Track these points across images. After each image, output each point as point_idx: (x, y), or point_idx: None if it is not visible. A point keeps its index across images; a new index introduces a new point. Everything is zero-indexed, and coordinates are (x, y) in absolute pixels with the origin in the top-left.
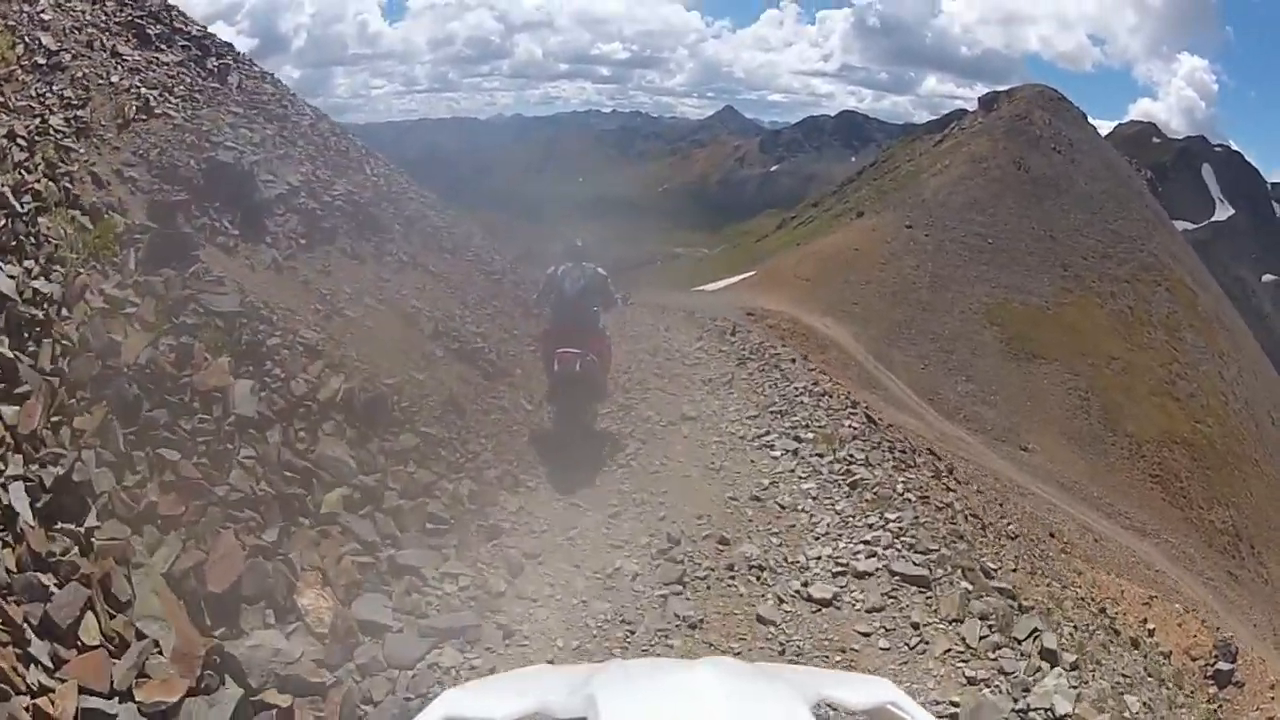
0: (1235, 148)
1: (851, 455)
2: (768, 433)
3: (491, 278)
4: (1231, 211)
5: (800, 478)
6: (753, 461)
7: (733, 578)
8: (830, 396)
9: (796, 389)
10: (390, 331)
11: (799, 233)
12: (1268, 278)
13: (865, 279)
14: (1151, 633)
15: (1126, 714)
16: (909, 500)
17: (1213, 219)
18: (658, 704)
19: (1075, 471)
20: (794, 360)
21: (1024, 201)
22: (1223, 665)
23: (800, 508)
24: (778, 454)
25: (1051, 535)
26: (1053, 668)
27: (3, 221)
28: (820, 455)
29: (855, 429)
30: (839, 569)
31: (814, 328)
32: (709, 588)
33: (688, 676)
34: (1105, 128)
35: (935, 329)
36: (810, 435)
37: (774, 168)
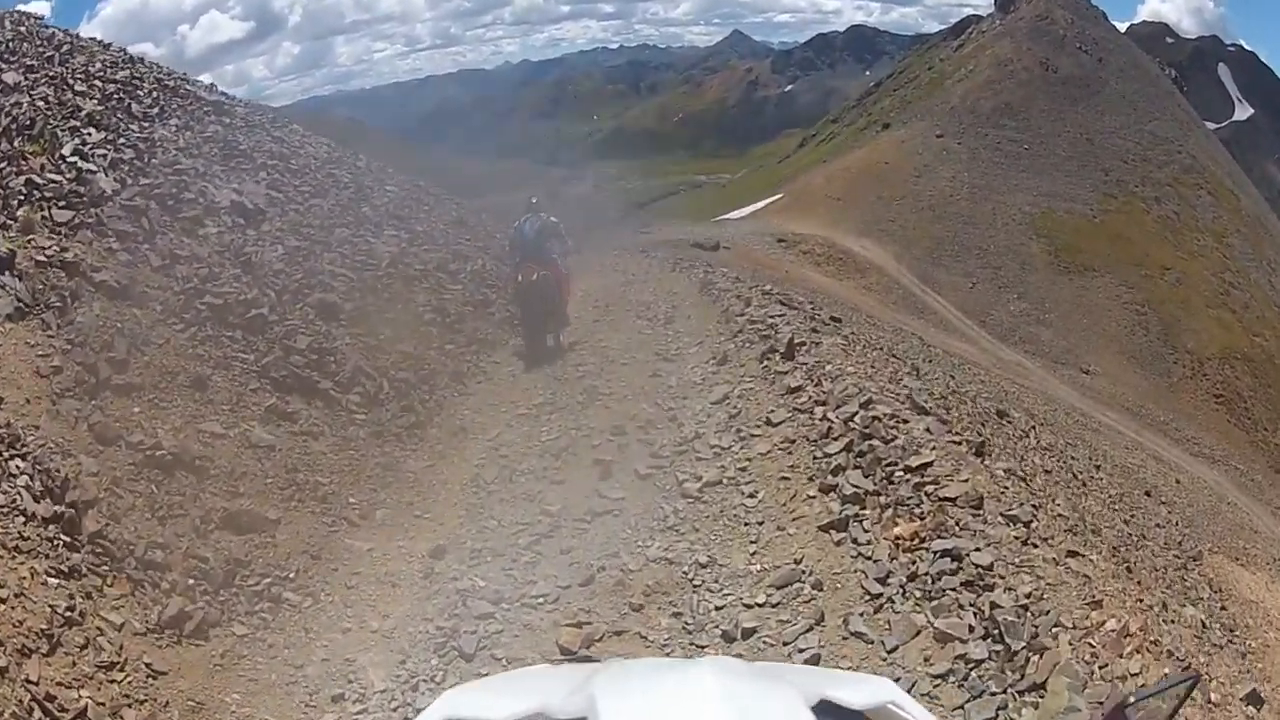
0: (1248, 47)
1: None
2: None
3: None
4: (1251, 111)
5: None
6: None
7: None
8: None
9: None
10: None
11: (822, 149)
12: None
13: (900, 194)
14: None
15: None
16: None
17: (1233, 119)
18: (658, 704)
19: (1138, 394)
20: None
21: (1056, 104)
22: None
23: None
24: None
25: (1148, 494)
26: None
27: None
28: None
29: None
30: None
31: (851, 250)
32: None
33: (688, 676)
34: (1119, 29)
35: (980, 244)
36: None
37: (789, 87)
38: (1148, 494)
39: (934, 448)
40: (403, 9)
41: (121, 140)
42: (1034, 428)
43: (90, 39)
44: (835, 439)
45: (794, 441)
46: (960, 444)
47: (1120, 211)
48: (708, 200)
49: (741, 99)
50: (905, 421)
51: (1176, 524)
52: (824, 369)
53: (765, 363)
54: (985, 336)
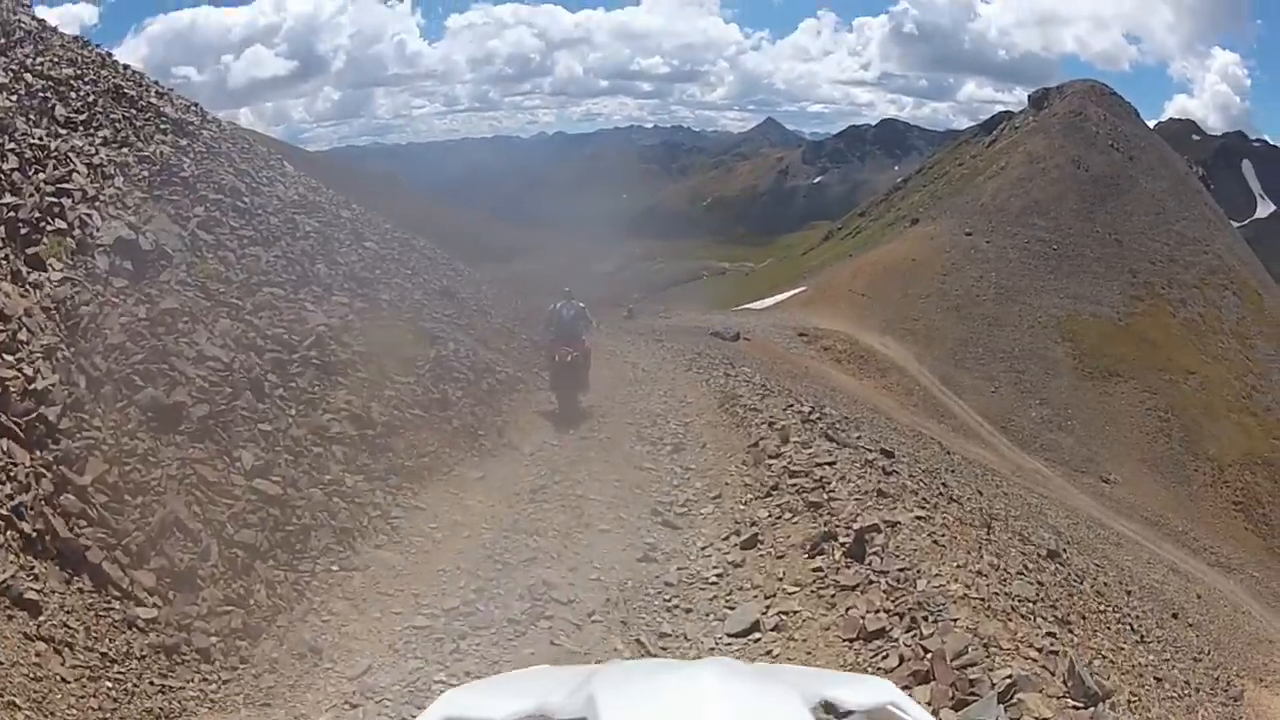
0: (1272, 142)
1: None
2: None
3: None
4: (1273, 208)
5: None
6: None
7: None
8: None
9: None
10: None
11: (848, 244)
12: None
13: (925, 292)
14: None
15: None
16: None
17: (1255, 216)
18: (658, 704)
19: (1158, 503)
20: None
21: (1086, 203)
22: None
23: None
24: None
25: (1174, 616)
26: None
27: None
28: None
29: None
30: None
31: (873, 349)
32: None
33: (688, 677)
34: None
35: (1004, 346)
36: None
37: (819, 179)
38: (1174, 616)
39: None
40: (444, 68)
41: (11, 146)
42: (1065, 549)
43: (65, 34)
44: None
45: None
46: None
47: (1146, 314)
48: (730, 288)
49: (772, 187)
50: None
51: (1209, 652)
52: (914, 587)
53: (818, 559)
54: (1005, 443)
